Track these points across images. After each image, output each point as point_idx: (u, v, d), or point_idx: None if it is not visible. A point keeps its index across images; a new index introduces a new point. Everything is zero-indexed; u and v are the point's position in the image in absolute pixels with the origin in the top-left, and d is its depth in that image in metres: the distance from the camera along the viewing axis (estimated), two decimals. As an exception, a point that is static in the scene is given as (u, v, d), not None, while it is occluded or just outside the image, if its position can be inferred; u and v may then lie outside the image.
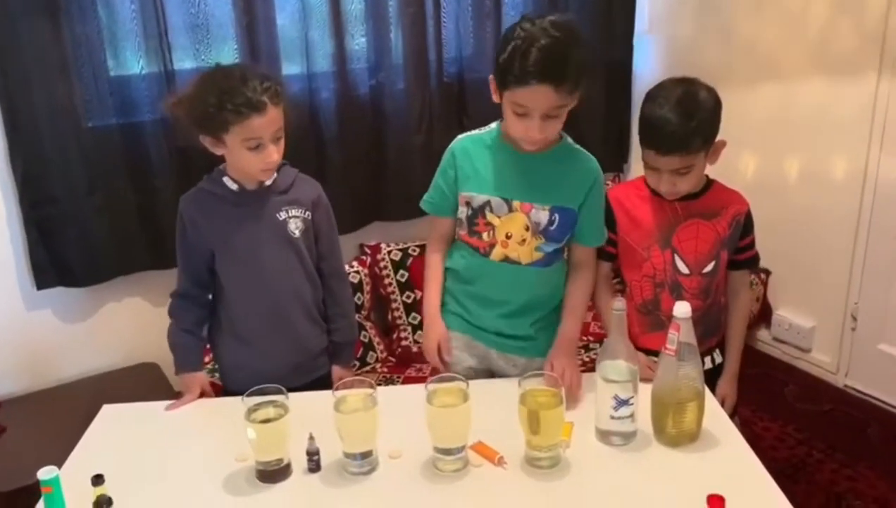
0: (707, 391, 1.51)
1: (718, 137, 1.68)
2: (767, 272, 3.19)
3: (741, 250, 1.78)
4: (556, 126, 1.64)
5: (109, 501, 1.30)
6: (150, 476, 1.46)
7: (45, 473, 1.25)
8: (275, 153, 1.68)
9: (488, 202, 1.70)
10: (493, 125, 1.76)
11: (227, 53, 2.64)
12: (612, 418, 1.46)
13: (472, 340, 1.81)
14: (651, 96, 1.66)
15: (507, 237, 1.71)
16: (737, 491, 1.32)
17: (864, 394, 2.92)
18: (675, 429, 1.47)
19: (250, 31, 2.61)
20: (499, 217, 1.70)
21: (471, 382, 1.43)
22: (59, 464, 1.35)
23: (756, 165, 3.17)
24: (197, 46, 2.59)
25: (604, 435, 1.49)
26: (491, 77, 1.64)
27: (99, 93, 2.46)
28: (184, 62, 2.58)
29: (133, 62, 2.50)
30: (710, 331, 1.77)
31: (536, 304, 1.78)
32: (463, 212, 1.74)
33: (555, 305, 1.80)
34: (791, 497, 1.33)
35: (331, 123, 2.82)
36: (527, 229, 1.70)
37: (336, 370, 1.89)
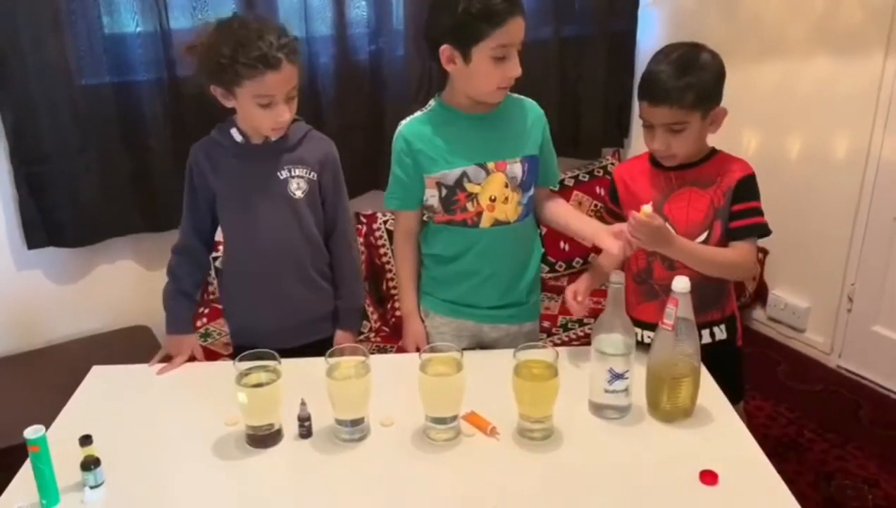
0: (703, 367, 1.50)
1: (721, 106, 1.65)
2: (765, 252, 3.18)
3: (734, 217, 1.67)
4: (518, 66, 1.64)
5: (97, 462, 1.29)
6: (138, 438, 1.45)
7: (31, 432, 1.24)
8: (286, 113, 1.63)
9: (464, 173, 1.69)
10: (432, 102, 1.75)
11: (225, 14, 2.58)
12: (607, 391, 1.45)
13: (462, 321, 1.81)
14: (654, 56, 1.66)
15: (492, 201, 1.70)
16: (730, 468, 1.32)
17: (857, 375, 2.92)
18: (669, 404, 1.46)
19: (248, -9, 2.56)
20: (478, 184, 1.69)
21: (465, 352, 1.42)
22: (48, 425, 1.34)
23: (757, 142, 3.14)
24: (194, 6, 2.55)
25: (598, 409, 1.48)
26: (443, 48, 1.61)
27: (93, 50, 2.42)
28: (180, 21, 2.53)
29: (128, 20, 2.45)
30: (707, 303, 1.71)
31: (526, 264, 1.81)
32: (434, 196, 1.72)
33: (536, 261, 1.84)
34: (781, 475, 1.32)
35: (329, 89, 2.79)
36: (506, 186, 1.71)
37: (337, 335, 1.84)
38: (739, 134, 3.18)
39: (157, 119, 2.54)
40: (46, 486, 1.26)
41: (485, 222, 1.72)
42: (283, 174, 1.71)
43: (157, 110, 2.54)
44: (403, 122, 1.75)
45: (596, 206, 3.20)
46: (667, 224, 1.58)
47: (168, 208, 2.67)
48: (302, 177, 1.72)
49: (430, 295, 1.83)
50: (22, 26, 2.26)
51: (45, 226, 2.47)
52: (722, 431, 1.45)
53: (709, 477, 1.30)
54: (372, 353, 1.46)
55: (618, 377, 1.44)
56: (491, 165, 1.69)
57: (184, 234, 1.81)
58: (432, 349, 1.45)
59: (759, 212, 1.69)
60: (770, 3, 3.01)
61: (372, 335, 2.77)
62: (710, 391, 1.54)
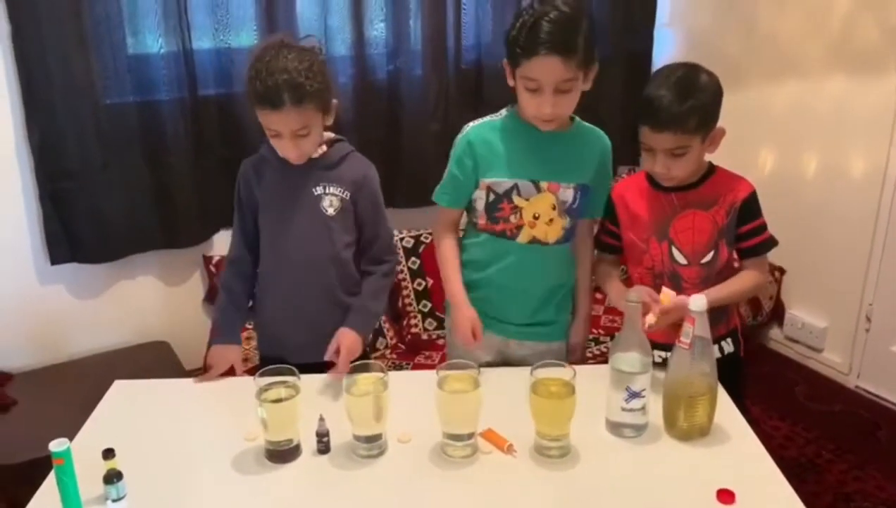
0: (720, 386, 1.50)
1: (719, 126, 1.65)
2: (782, 271, 3.17)
3: (744, 237, 1.69)
4: (569, 102, 1.63)
5: (119, 475, 1.30)
6: (159, 452, 1.47)
7: (56, 445, 1.25)
8: (290, 150, 1.65)
9: (515, 186, 1.70)
10: (504, 111, 1.76)
11: (247, 35, 2.64)
12: (624, 410, 1.46)
13: (490, 335, 1.79)
14: (652, 78, 1.65)
15: (535, 218, 1.71)
16: (747, 487, 1.32)
17: (876, 396, 2.90)
18: (686, 423, 1.46)
19: (270, 13, 2.60)
20: (526, 199, 1.70)
21: (482, 370, 1.43)
22: (70, 438, 1.35)
23: (773, 161, 3.14)
24: (216, 27, 2.60)
25: (615, 427, 1.49)
26: (504, 61, 1.65)
27: (117, 70, 2.47)
28: (202, 42, 2.58)
29: (152, 41, 2.50)
30: (716, 319, 1.71)
31: (558, 286, 1.80)
32: (482, 199, 1.74)
33: (570, 286, 1.84)
34: (799, 496, 1.32)
35: (347, 108, 2.81)
36: (553, 208, 1.71)
37: (339, 332, 1.70)
38: (756, 153, 3.18)
39: (178, 137, 2.58)
40: (70, 499, 1.27)
41: (523, 237, 1.73)
42: (318, 190, 1.73)
43: (179, 129, 2.58)
44: (471, 123, 1.77)
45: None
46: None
47: (189, 225, 2.72)
48: (335, 195, 1.73)
49: None
50: (49, 47, 2.31)
51: (68, 242, 2.51)
52: (739, 450, 1.45)
53: (726, 496, 1.30)
54: (388, 370, 1.47)
55: (635, 395, 1.44)
56: (544, 184, 1.70)
57: (233, 246, 1.85)
58: (449, 367, 1.46)
59: (766, 227, 1.70)
60: (786, 23, 3.02)
61: (388, 351, 2.78)
62: (726, 410, 1.54)
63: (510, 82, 1.66)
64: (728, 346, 1.78)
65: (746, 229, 1.68)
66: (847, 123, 2.84)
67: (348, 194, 1.74)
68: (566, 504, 1.33)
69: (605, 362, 1.49)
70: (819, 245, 3.00)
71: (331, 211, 1.73)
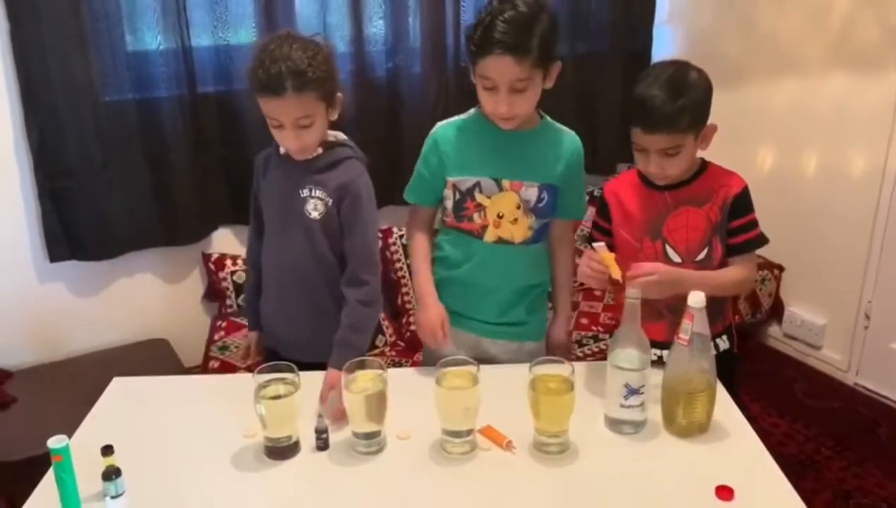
0: (718, 383, 1.50)
1: (710, 122, 1.63)
2: (781, 268, 3.17)
3: (733, 233, 1.67)
4: (525, 102, 1.62)
5: (118, 472, 1.30)
6: (158, 448, 1.47)
7: (55, 442, 1.25)
8: (291, 140, 1.62)
9: (478, 184, 1.70)
10: (472, 110, 1.76)
11: (246, 32, 2.64)
12: (623, 406, 1.46)
13: (462, 332, 1.80)
14: (641, 77, 1.62)
15: (499, 217, 1.71)
16: (746, 483, 1.32)
17: (875, 393, 2.90)
18: (685, 419, 1.46)
19: (268, 10, 2.60)
20: (489, 197, 1.71)
21: (481, 366, 1.43)
22: (69, 435, 1.35)
23: (773, 159, 3.15)
24: (215, 24, 2.59)
25: (614, 423, 1.49)
26: (469, 60, 1.65)
27: (116, 67, 2.47)
28: (201, 39, 2.58)
29: (151, 38, 2.50)
30: (712, 317, 1.69)
31: (528, 286, 1.80)
32: (450, 198, 1.74)
33: (544, 285, 1.83)
34: (798, 494, 1.32)
35: (346, 104, 2.80)
36: (518, 207, 1.71)
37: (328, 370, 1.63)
38: (755, 151, 3.19)
39: (178, 135, 2.59)
40: (69, 496, 1.27)
41: (488, 236, 1.73)
42: (304, 193, 1.70)
43: (179, 126, 2.58)
44: (439, 123, 1.78)
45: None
46: (669, 267, 1.59)
47: (188, 223, 2.72)
48: (320, 200, 1.69)
49: None
50: (48, 45, 2.31)
51: (67, 239, 2.51)
52: (738, 446, 1.45)
53: (725, 493, 1.30)
54: (387, 367, 1.47)
55: (634, 392, 1.44)
56: (506, 182, 1.70)
57: (249, 239, 1.87)
58: (448, 363, 1.46)
59: (757, 223, 1.68)
60: (786, 21, 3.02)
61: (387, 349, 2.78)
62: (725, 406, 1.54)
63: (473, 79, 1.66)
64: (723, 343, 1.77)
65: (737, 225, 1.66)
66: (846, 122, 2.84)
67: (331, 201, 1.69)
68: (565, 500, 1.33)
69: (603, 358, 1.49)
70: (818, 243, 3.00)
71: (315, 215, 1.70)
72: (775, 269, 3.16)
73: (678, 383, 1.45)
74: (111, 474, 1.30)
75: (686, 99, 1.56)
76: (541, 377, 1.41)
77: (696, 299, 1.40)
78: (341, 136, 1.76)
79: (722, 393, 1.54)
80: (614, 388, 1.46)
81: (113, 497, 1.30)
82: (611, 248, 1.78)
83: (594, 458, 1.41)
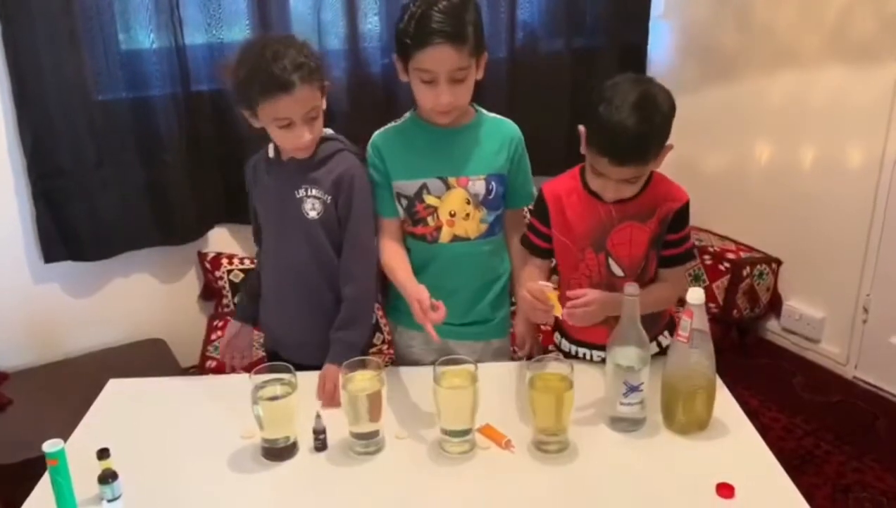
0: (718, 379, 1.50)
1: (668, 141, 1.55)
2: (779, 262, 3.16)
3: (668, 245, 1.63)
4: (464, 91, 1.62)
5: (114, 475, 1.30)
6: (155, 451, 1.46)
7: (50, 446, 1.25)
8: (305, 134, 1.60)
9: (424, 186, 1.69)
10: (407, 114, 1.76)
11: (239, 30, 2.62)
12: (622, 404, 1.45)
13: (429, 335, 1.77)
14: (606, 97, 1.48)
15: (452, 216, 1.71)
16: (746, 480, 1.31)
17: (874, 386, 2.90)
18: (685, 416, 1.45)
19: (262, 8, 2.59)
20: (439, 197, 1.70)
21: (480, 365, 1.42)
22: (65, 437, 1.35)
23: (770, 152, 3.14)
24: (208, 22, 2.58)
25: (613, 421, 1.48)
26: (395, 57, 1.63)
27: (109, 66, 2.46)
28: (195, 37, 2.57)
29: (144, 36, 2.49)
30: (646, 328, 1.55)
31: (490, 281, 1.79)
32: (401, 205, 1.73)
33: (505, 279, 1.82)
34: (798, 488, 1.31)
35: (341, 102, 2.80)
36: (468, 202, 1.70)
37: (324, 367, 1.65)
38: (753, 144, 3.18)
39: (172, 134, 2.57)
40: (65, 500, 1.26)
41: (444, 237, 1.72)
42: (300, 193, 1.68)
43: (173, 125, 2.57)
44: (376, 132, 1.77)
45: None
46: (604, 293, 1.56)
47: (183, 222, 2.71)
48: (317, 198, 1.67)
49: (398, 309, 1.81)
50: (40, 44, 2.30)
51: (61, 240, 2.50)
52: (738, 443, 1.45)
53: (725, 490, 1.29)
54: (384, 366, 1.46)
55: (633, 389, 1.44)
56: (452, 180, 1.69)
57: (253, 240, 1.87)
58: (447, 362, 1.45)
59: (689, 237, 1.66)
60: (783, 14, 3.01)
61: (385, 346, 2.77)
62: (725, 403, 1.53)
63: (403, 78, 1.64)
64: (666, 339, 1.71)
65: (673, 239, 1.63)
66: (844, 114, 2.83)
67: (329, 197, 1.67)
68: (565, 499, 1.32)
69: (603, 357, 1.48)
70: (816, 236, 2.99)
71: (313, 215, 1.67)
72: (773, 263, 3.15)
73: (678, 380, 1.44)
74: (107, 477, 1.29)
75: (654, 129, 1.48)
76: (540, 376, 1.40)
77: (696, 295, 1.39)
78: (328, 131, 1.74)
79: (722, 390, 1.54)
80: (614, 386, 1.45)
81: (110, 501, 1.30)
82: (543, 253, 1.74)
83: (594, 456, 1.41)
